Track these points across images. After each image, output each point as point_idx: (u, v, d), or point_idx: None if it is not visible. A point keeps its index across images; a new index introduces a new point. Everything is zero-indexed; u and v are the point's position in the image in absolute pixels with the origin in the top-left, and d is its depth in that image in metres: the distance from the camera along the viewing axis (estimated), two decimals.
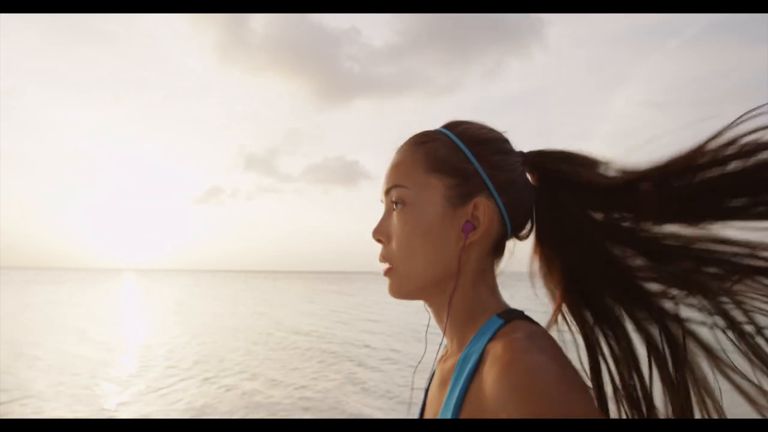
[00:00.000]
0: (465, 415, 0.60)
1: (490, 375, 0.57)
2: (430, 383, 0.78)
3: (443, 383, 0.69)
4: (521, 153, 0.73)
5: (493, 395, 0.55)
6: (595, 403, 0.55)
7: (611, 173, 0.68)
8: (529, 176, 0.73)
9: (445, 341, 0.75)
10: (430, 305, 0.73)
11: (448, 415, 0.61)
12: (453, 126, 0.73)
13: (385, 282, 0.72)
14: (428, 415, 0.73)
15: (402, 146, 0.74)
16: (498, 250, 0.72)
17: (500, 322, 0.64)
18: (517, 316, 0.66)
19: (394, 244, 0.70)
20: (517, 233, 0.73)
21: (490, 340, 0.62)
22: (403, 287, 0.70)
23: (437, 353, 0.79)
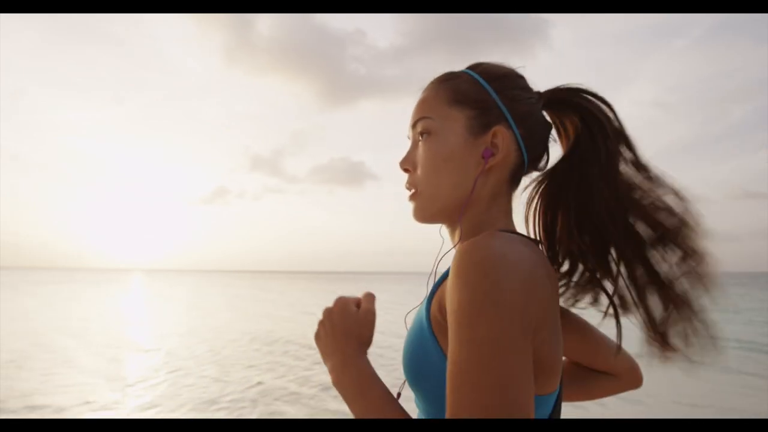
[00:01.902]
0: (436, 298, 0.68)
1: (452, 265, 0.61)
2: None
3: None
4: (538, 92, 0.78)
5: (449, 283, 0.60)
6: (514, 332, 0.54)
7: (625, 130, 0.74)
8: (545, 113, 0.78)
9: None
10: (449, 227, 0.78)
11: (426, 298, 0.71)
12: (474, 66, 0.78)
13: (410, 208, 0.77)
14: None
15: (428, 84, 0.79)
16: (515, 179, 0.77)
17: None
18: (512, 232, 0.71)
19: (419, 171, 0.76)
20: (533, 164, 0.78)
21: None
22: (426, 209, 0.76)
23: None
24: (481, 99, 0.73)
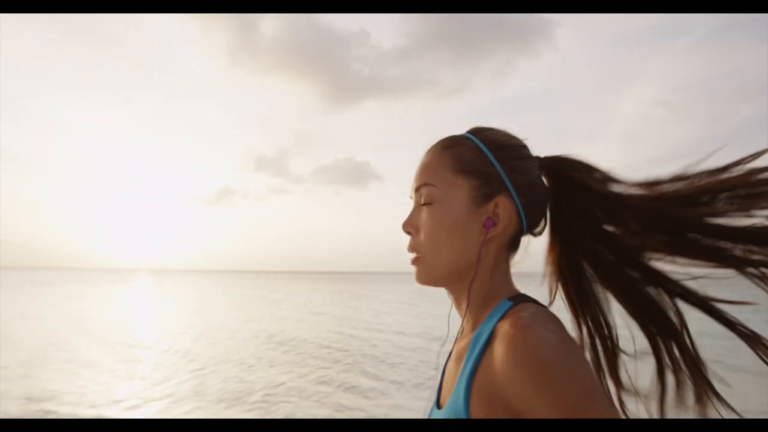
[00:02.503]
0: (476, 386, 0.66)
1: (498, 350, 0.64)
2: (447, 361, 0.87)
3: (459, 359, 0.76)
4: (538, 158, 0.81)
5: (501, 369, 0.62)
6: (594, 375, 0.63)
7: (613, 185, 0.77)
8: (544, 179, 0.81)
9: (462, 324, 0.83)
10: (452, 292, 0.81)
11: (462, 387, 0.68)
12: (477, 132, 0.80)
13: (413, 271, 0.80)
14: (445, 389, 0.80)
15: (431, 149, 0.81)
16: (514, 244, 0.80)
17: (510, 303, 0.72)
18: (526, 299, 0.73)
19: (422, 236, 0.78)
20: (531, 230, 0.80)
21: (500, 319, 0.69)
22: (429, 275, 0.78)
23: (456, 337, 0.88)
24: (484, 170, 0.76)
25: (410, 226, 0.80)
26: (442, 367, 0.89)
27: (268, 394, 7.49)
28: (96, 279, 74.95)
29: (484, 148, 0.77)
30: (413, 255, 0.80)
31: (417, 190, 0.80)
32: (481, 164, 0.76)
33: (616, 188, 0.76)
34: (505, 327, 0.65)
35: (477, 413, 0.65)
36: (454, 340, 0.88)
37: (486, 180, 0.75)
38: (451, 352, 0.88)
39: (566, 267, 0.80)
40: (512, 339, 0.62)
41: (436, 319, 18.24)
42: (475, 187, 0.75)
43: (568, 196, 0.79)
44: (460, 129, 0.83)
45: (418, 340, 13.13)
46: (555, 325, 0.65)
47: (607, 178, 0.77)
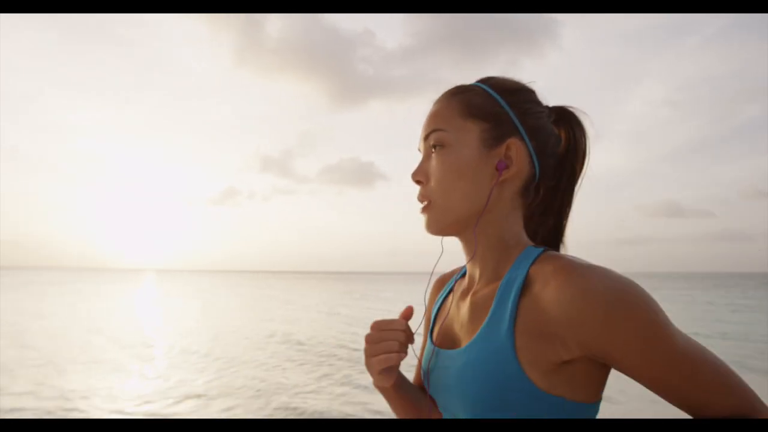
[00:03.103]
0: (520, 328, 0.65)
1: (548, 290, 0.63)
2: (442, 303, 0.88)
3: (479, 307, 0.73)
4: (547, 106, 0.80)
5: (556, 307, 0.62)
6: None
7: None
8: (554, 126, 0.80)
9: (468, 270, 0.82)
10: (463, 240, 0.79)
11: (502, 328, 0.66)
12: (485, 80, 0.79)
13: (423, 220, 0.78)
14: (454, 335, 0.78)
15: (439, 97, 0.80)
16: (527, 191, 0.77)
17: (538, 250, 0.71)
18: (551, 249, 0.74)
19: (432, 183, 0.76)
20: (544, 178, 0.78)
21: (532, 264, 0.69)
22: (440, 221, 0.76)
23: (448, 287, 0.89)
24: (494, 112, 0.74)
25: (420, 174, 0.78)
26: (434, 309, 0.89)
27: (297, 393, 7.52)
28: (103, 279, 75.22)
29: (494, 93, 0.76)
30: (423, 204, 0.78)
31: (426, 138, 0.78)
32: (491, 107, 0.75)
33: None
34: (547, 270, 0.65)
35: (526, 351, 0.64)
36: (450, 288, 0.88)
37: (496, 122, 0.74)
38: (441, 302, 0.88)
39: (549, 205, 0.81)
40: (565, 275, 0.62)
41: None
42: (486, 130, 0.74)
43: (577, 146, 0.79)
44: None
45: None
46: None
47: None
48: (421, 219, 0.78)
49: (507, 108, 0.75)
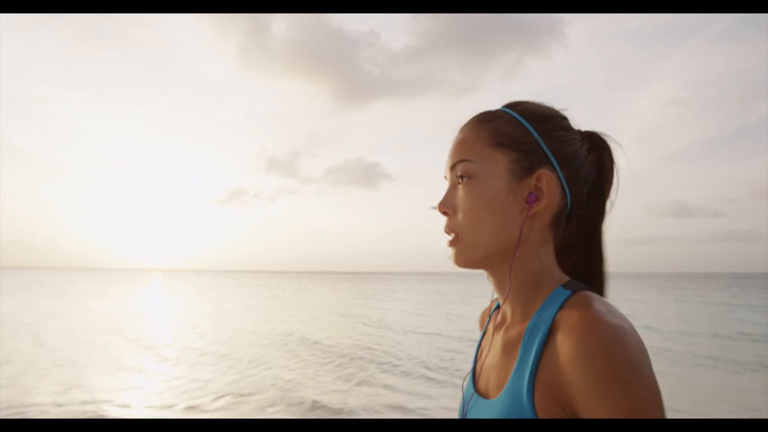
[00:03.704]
0: (540, 380, 0.63)
1: (565, 344, 0.60)
2: (480, 346, 0.85)
3: (509, 349, 0.71)
4: (579, 131, 0.77)
5: (569, 364, 0.59)
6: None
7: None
8: (586, 152, 0.77)
9: (503, 309, 0.79)
10: (492, 275, 0.76)
11: (525, 381, 0.64)
12: (514, 105, 0.76)
13: (450, 254, 0.76)
14: (490, 378, 0.76)
15: (466, 125, 0.77)
16: (558, 223, 0.74)
17: (567, 292, 0.67)
18: (582, 287, 0.68)
19: (460, 215, 0.73)
20: (577, 207, 0.74)
21: (560, 309, 0.65)
22: (468, 255, 0.73)
23: (487, 322, 0.86)
24: (524, 141, 0.71)
25: (447, 205, 0.75)
26: (475, 352, 0.86)
27: (321, 392, 7.56)
28: (112, 279, 75.79)
29: (523, 120, 0.73)
30: (450, 236, 0.75)
31: (452, 167, 0.75)
32: (521, 136, 0.72)
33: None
34: (572, 319, 0.61)
35: (542, 408, 0.62)
36: (488, 323, 0.86)
37: (526, 152, 0.71)
38: (482, 337, 0.86)
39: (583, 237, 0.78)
40: (582, 333, 0.59)
41: (467, 320, 18.26)
42: (515, 161, 0.71)
43: (606, 173, 0.77)
44: None
45: (455, 342, 13.14)
46: (622, 320, 0.60)
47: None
48: (449, 252, 0.76)
49: (537, 137, 0.72)
